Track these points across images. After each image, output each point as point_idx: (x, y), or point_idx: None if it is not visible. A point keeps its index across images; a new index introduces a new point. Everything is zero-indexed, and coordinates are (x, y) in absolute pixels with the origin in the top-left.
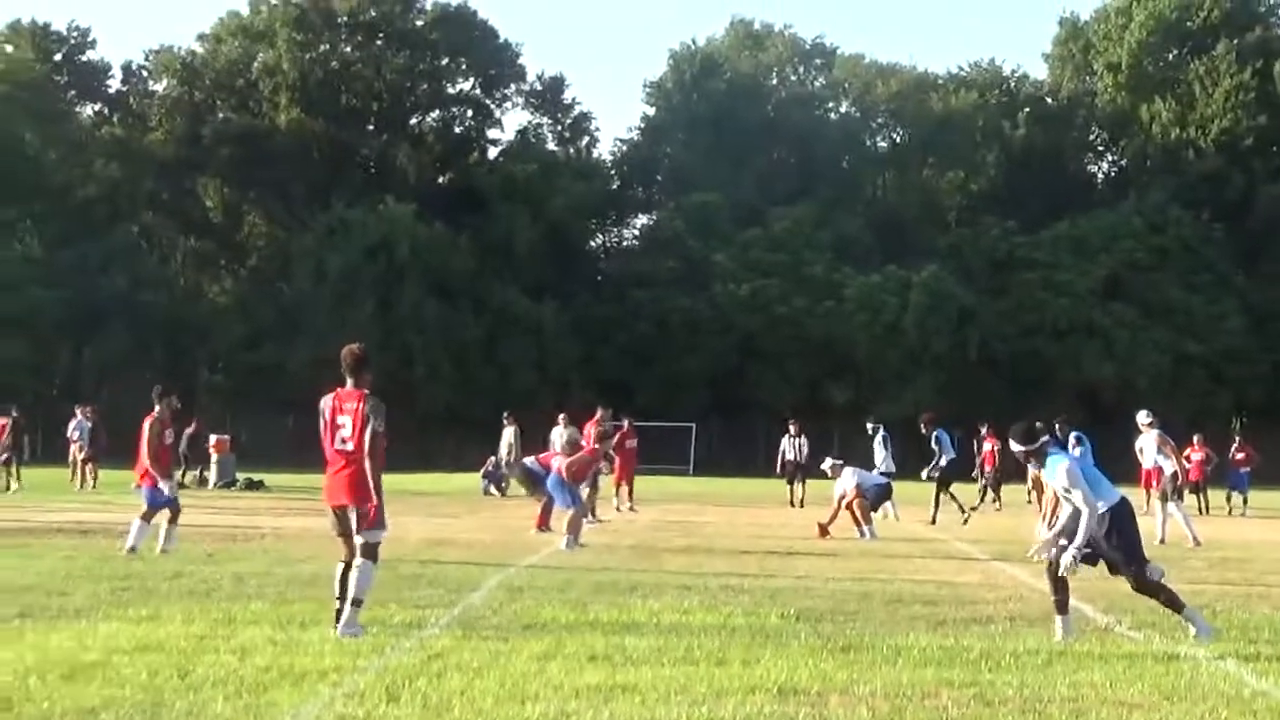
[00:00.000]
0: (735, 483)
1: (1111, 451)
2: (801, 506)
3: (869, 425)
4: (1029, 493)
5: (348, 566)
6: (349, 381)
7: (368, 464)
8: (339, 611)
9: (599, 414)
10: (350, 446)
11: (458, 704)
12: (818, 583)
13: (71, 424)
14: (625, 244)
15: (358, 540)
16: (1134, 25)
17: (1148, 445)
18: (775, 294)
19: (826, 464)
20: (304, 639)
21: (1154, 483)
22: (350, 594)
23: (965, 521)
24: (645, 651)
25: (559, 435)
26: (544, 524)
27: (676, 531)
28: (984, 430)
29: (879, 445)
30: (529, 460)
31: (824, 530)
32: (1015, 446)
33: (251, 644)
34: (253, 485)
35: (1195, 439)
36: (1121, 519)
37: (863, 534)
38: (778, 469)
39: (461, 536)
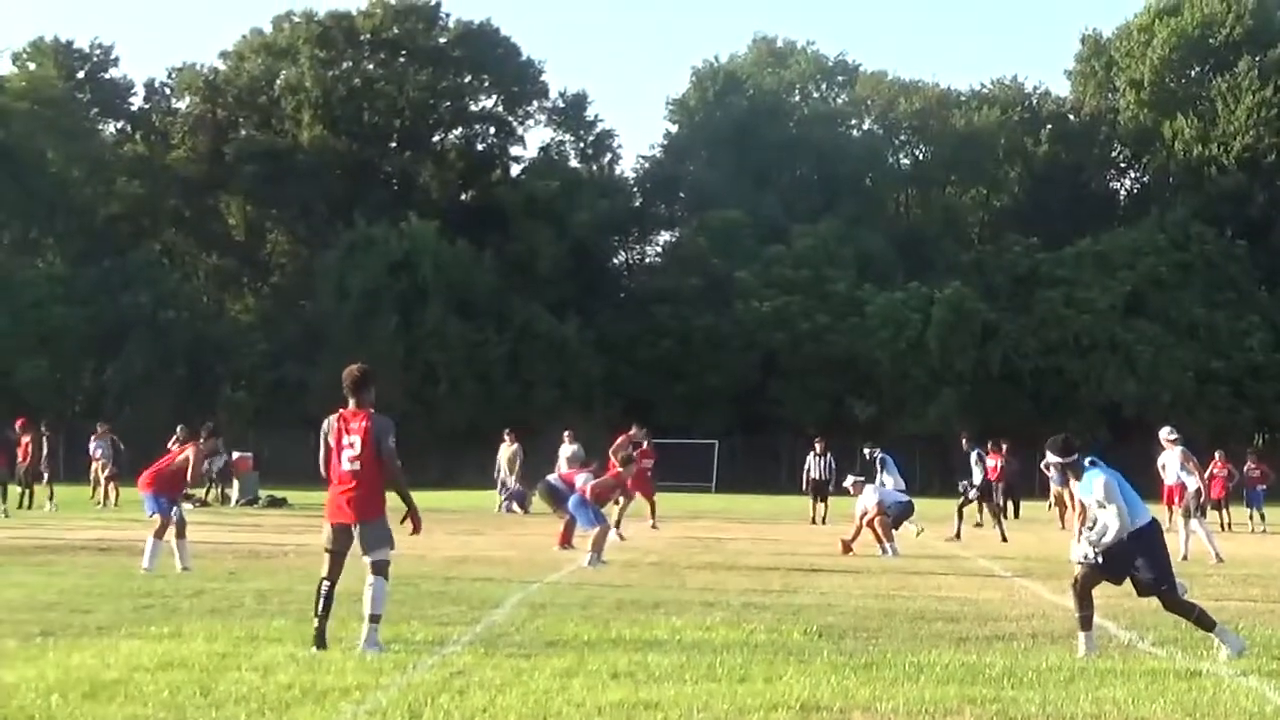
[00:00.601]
0: (758, 499)
1: (1133, 468)
2: (824, 524)
3: (866, 451)
4: (1049, 507)
5: (332, 584)
6: (351, 402)
7: (393, 481)
8: (320, 631)
9: (632, 430)
10: (359, 465)
11: None
12: (840, 600)
13: (93, 442)
14: (648, 261)
15: (366, 559)
16: (1156, 42)
17: (1170, 461)
18: (798, 311)
19: (849, 481)
20: (327, 657)
21: (1176, 499)
22: (367, 611)
23: (1003, 538)
24: (668, 669)
25: (565, 452)
26: (567, 541)
27: (699, 548)
28: (989, 446)
29: (879, 470)
30: (552, 477)
31: (847, 547)
32: (1053, 459)
33: (274, 662)
34: (275, 503)
35: (1217, 455)
36: (1150, 541)
37: (885, 551)
38: (803, 486)
39: (484, 554)
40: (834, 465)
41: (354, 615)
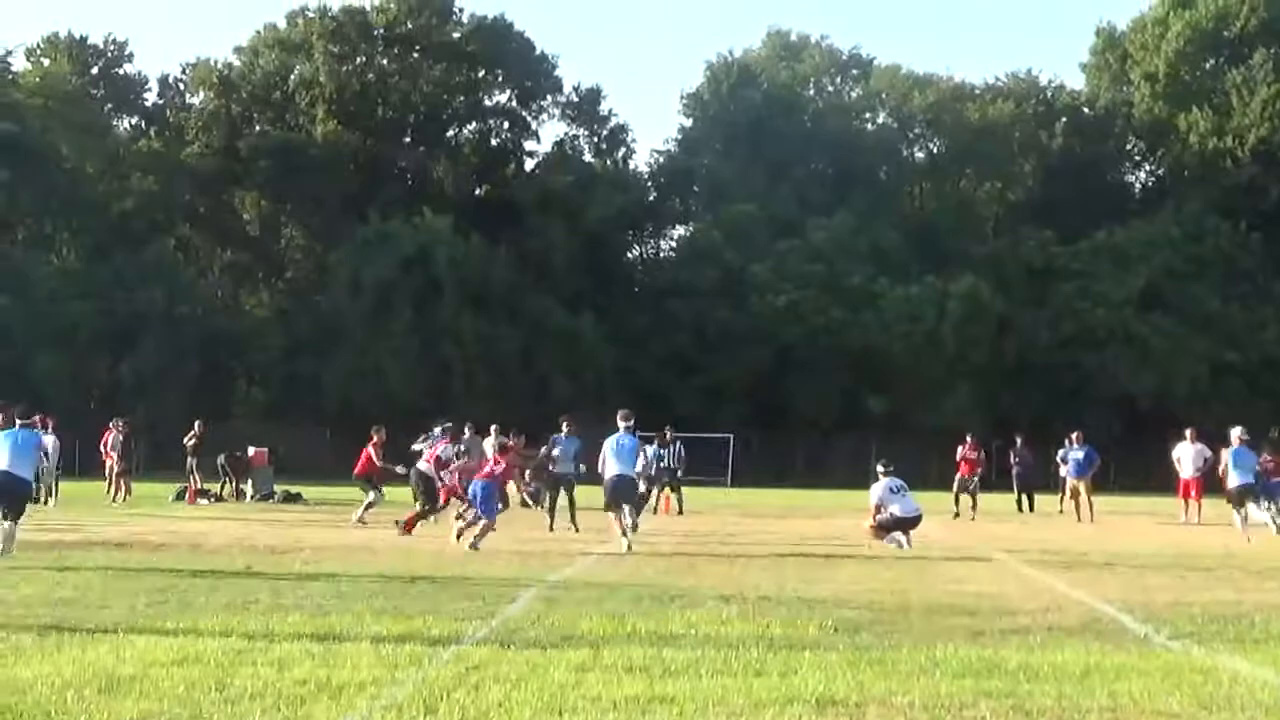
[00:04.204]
0: (773, 493)
1: (1149, 460)
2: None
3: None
4: (1061, 502)
5: None
6: None
7: None
8: None
9: (519, 439)
10: None
11: (496, 716)
12: (855, 593)
13: (109, 437)
14: (662, 255)
15: None
16: (1171, 35)
17: (1185, 455)
18: (813, 305)
19: (879, 468)
20: (342, 651)
21: (1191, 492)
22: None
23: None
24: (683, 663)
25: (485, 444)
26: (410, 528)
27: (714, 542)
28: (968, 439)
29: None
30: (421, 464)
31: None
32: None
33: (289, 657)
34: (290, 498)
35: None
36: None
37: (900, 544)
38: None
39: (499, 548)
40: (683, 454)
41: (370, 610)
